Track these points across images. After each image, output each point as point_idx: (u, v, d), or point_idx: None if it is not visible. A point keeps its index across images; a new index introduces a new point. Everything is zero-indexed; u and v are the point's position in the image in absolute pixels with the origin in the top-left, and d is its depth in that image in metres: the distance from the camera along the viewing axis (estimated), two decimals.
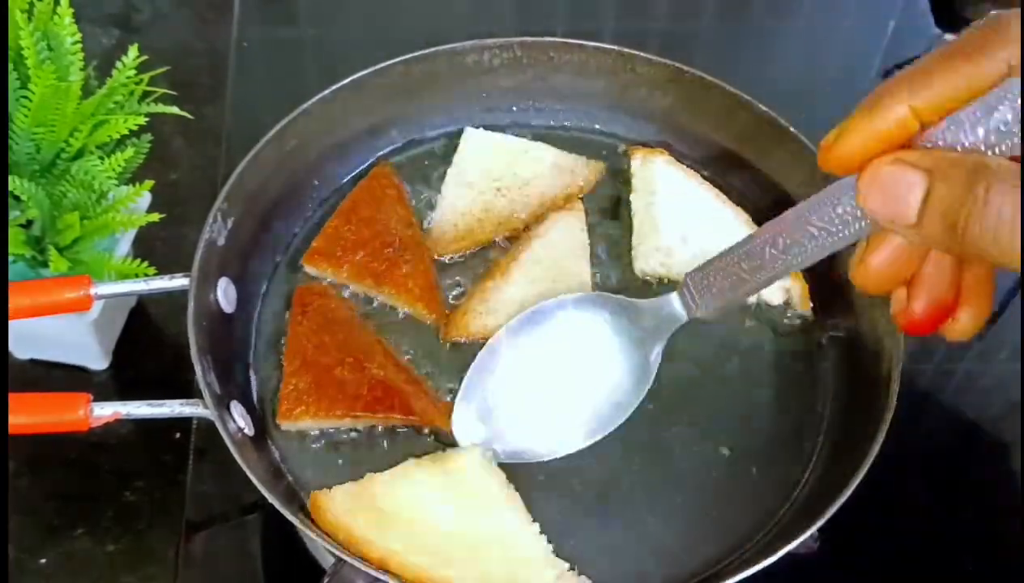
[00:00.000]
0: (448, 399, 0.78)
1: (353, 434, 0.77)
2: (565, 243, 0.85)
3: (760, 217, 0.88)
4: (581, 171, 0.91)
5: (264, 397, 0.79)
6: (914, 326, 0.52)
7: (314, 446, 0.76)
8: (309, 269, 0.84)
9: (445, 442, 0.76)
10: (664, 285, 0.85)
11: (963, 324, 0.52)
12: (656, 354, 0.74)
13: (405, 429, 0.77)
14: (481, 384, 0.76)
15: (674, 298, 0.71)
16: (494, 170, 0.90)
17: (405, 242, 0.84)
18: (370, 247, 0.84)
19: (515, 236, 0.87)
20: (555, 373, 0.76)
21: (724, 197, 0.88)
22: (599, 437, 0.74)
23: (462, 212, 0.87)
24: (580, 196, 0.90)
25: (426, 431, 0.77)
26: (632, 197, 0.88)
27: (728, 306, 0.68)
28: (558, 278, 0.83)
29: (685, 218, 0.86)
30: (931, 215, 0.44)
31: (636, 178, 0.89)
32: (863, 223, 0.50)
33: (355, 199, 0.87)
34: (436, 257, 0.86)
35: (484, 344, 0.78)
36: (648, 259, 0.85)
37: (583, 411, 0.75)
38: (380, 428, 0.77)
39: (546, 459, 0.74)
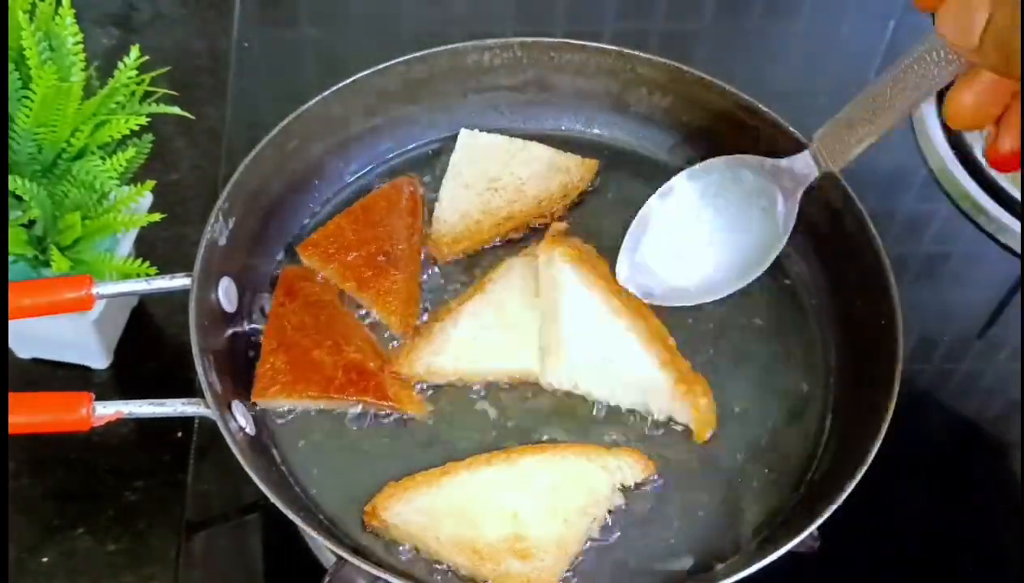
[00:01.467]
0: (417, 390, 0.79)
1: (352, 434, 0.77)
2: (516, 290, 0.83)
3: None
4: (577, 170, 0.91)
5: None
6: (999, 162, 0.59)
7: (315, 445, 0.77)
8: (304, 259, 0.84)
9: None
10: None
11: None
12: (792, 207, 0.77)
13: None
14: (637, 239, 0.81)
15: (807, 156, 0.76)
16: (490, 170, 0.90)
17: (400, 255, 0.84)
18: (365, 251, 0.83)
19: (514, 238, 0.87)
20: (703, 226, 0.80)
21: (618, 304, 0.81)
22: (744, 284, 0.79)
23: (461, 214, 0.87)
24: (577, 194, 0.90)
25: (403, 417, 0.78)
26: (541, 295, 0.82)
27: (854, 156, 0.74)
28: (505, 324, 0.81)
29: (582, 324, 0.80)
30: (988, 42, 0.54)
31: (542, 275, 0.82)
32: (950, 66, 0.62)
33: (369, 202, 0.87)
34: (437, 260, 0.86)
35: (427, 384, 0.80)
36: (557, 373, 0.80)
37: (729, 259, 0.80)
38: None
39: (695, 303, 0.80)
